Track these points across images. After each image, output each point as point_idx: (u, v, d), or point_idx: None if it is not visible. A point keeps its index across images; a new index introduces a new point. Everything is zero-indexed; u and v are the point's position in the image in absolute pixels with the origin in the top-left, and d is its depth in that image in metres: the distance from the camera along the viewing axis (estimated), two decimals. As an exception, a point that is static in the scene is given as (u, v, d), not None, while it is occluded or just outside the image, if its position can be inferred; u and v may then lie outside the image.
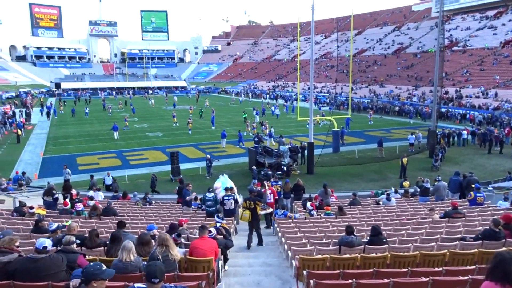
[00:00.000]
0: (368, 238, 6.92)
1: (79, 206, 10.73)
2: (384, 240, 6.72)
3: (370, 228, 7.27)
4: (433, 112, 27.33)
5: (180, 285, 3.74)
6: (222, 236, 7.54)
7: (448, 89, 50.63)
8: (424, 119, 42.33)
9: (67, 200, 11.22)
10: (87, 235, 6.90)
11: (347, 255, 6.00)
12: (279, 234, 9.58)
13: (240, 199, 13.16)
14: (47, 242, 4.67)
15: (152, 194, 16.30)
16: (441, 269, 4.88)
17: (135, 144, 30.87)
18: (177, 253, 5.28)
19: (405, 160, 21.11)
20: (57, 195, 11.33)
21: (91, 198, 12.26)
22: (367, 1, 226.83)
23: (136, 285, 3.66)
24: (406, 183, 18.17)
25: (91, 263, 3.59)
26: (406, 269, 4.87)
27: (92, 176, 17.91)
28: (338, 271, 4.96)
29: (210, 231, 6.70)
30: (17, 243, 5.01)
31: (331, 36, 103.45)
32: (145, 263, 4.94)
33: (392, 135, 33.68)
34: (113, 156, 26.77)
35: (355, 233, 6.91)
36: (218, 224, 7.93)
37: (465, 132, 30.05)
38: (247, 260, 8.39)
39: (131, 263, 4.82)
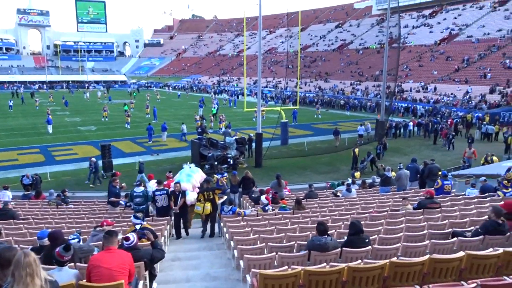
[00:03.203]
0: (345, 238, 5.25)
1: (-35, 209, 8.23)
2: (367, 241, 5.10)
3: (344, 224, 5.65)
4: (382, 104, 27.79)
5: None
6: (148, 243, 5.48)
7: (390, 83, 51.38)
8: (368, 112, 42.75)
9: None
10: None
11: (324, 265, 4.29)
12: (227, 236, 7.70)
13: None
14: None
15: (73, 192, 13.78)
16: (474, 285, 3.25)
17: (65, 139, 27.72)
18: None
19: (357, 150, 20.43)
20: None
21: (-12, 198, 9.67)
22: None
23: None
24: (358, 174, 17.70)
25: None
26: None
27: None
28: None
29: (128, 238, 4.67)
30: None
31: (275, 32, 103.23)
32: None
33: (340, 127, 33.02)
34: (36, 152, 23.64)
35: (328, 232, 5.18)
36: (138, 227, 5.86)
37: (411, 124, 30.30)
38: (185, 272, 6.40)
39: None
